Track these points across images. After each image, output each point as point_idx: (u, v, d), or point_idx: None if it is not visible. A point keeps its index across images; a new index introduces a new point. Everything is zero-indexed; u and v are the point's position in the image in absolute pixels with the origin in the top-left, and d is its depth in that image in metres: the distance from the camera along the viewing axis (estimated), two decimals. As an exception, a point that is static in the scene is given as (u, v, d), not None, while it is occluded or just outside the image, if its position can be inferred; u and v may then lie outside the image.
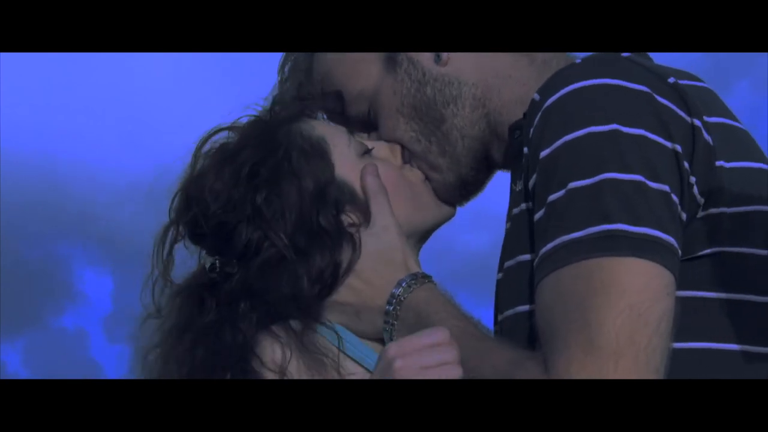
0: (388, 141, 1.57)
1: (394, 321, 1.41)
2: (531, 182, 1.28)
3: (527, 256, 1.30)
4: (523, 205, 1.32)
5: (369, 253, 1.45)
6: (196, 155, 1.52)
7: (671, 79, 1.30)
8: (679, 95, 1.28)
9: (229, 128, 1.53)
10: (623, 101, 1.24)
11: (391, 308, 1.42)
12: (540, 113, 1.28)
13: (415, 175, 1.56)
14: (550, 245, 1.21)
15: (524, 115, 1.41)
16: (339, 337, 1.43)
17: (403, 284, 1.43)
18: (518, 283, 1.32)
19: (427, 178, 1.58)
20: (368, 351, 1.44)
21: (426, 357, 1.23)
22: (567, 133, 1.23)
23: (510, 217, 1.40)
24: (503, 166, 1.57)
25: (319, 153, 1.49)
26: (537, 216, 1.26)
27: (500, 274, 1.42)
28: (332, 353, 1.41)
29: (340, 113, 1.59)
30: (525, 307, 1.31)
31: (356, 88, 1.56)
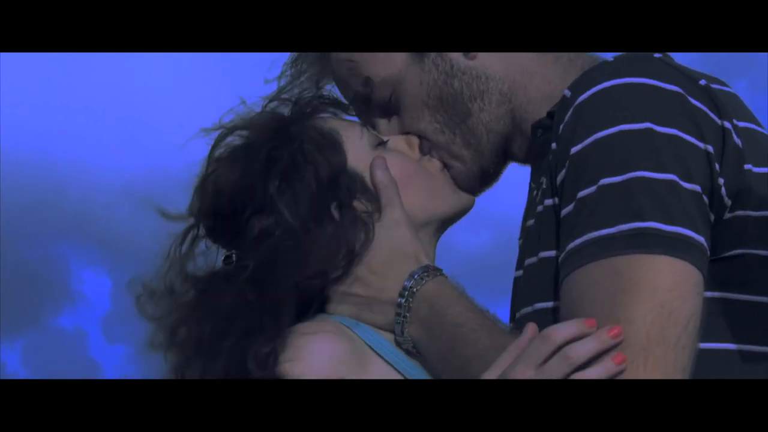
0: (410, 130, 1.57)
1: (406, 313, 1.42)
2: (559, 177, 1.28)
3: (551, 253, 1.30)
4: (549, 201, 1.32)
5: (380, 245, 1.45)
6: (212, 150, 1.52)
7: (702, 81, 1.30)
8: (710, 98, 1.28)
9: (244, 125, 1.54)
10: (656, 100, 1.24)
11: (403, 300, 1.42)
12: (572, 109, 1.28)
13: (433, 165, 1.56)
14: (578, 240, 1.21)
15: (548, 113, 1.41)
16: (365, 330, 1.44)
17: (415, 276, 1.43)
18: (539, 279, 1.32)
19: (447, 167, 1.57)
20: (383, 340, 1.44)
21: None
22: (599, 130, 1.23)
23: (531, 214, 1.40)
24: (522, 161, 1.57)
25: (332, 144, 1.50)
26: (565, 211, 1.26)
27: (519, 272, 1.41)
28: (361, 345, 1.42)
29: (363, 99, 1.57)
30: (546, 304, 1.30)
31: (380, 75, 1.54)
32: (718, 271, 1.24)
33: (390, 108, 1.57)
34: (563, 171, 1.27)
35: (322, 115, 1.57)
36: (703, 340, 1.21)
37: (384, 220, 1.47)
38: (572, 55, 1.52)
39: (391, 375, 1.42)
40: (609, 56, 1.47)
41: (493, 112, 1.51)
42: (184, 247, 1.51)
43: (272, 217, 1.45)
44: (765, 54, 1.43)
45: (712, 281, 1.23)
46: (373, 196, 1.48)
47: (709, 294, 1.22)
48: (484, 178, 1.58)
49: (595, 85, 1.26)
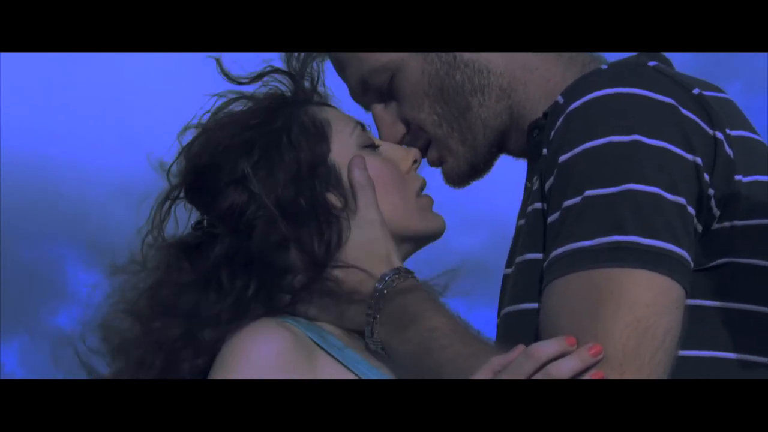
0: (408, 119, 1.56)
1: (376, 314, 1.41)
2: (548, 184, 1.29)
3: (537, 255, 1.31)
4: (538, 205, 1.33)
5: (353, 244, 1.44)
6: (213, 113, 1.53)
7: (696, 90, 1.30)
8: (704, 107, 1.28)
9: (247, 96, 1.55)
10: (648, 112, 1.25)
11: (374, 302, 1.41)
12: (563, 117, 1.28)
13: (417, 182, 1.55)
14: (560, 250, 1.22)
15: (544, 114, 1.41)
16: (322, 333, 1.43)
17: (386, 278, 1.42)
18: (525, 280, 1.33)
19: (441, 161, 1.57)
20: (333, 339, 1.44)
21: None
22: (588, 140, 1.23)
23: (524, 214, 1.40)
24: (517, 155, 1.57)
25: (319, 133, 1.49)
26: (551, 218, 1.27)
27: (508, 269, 1.41)
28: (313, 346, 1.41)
29: (360, 81, 1.56)
30: (531, 305, 1.31)
31: (381, 60, 1.53)
32: (705, 279, 1.25)
33: (387, 93, 1.56)
34: (551, 178, 1.27)
35: (320, 103, 1.57)
36: (692, 347, 1.22)
37: (358, 220, 1.45)
38: (574, 53, 1.51)
39: (342, 374, 1.40)
40: (610, 56, 1.48)
41: (492, 108, 1.51)
42: (165, 207, 1.51)
43: (246, 193, 1.44)
44: (758, 55, 1.44)
45: (697, 289, 1.23)
46: (348, 194, 1.47)
47: (696, 302, 1.24)
48: (473, 173, 1.58)
49: (587, 94, 1.27)
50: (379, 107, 1.58)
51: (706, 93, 1.32)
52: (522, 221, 1.40)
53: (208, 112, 1.54)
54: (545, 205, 1.30)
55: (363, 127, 1.56)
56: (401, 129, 1.58)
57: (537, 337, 1.25)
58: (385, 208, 1.48)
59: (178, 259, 1.47)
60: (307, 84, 1.60)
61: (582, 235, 1.20)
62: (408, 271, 1.45)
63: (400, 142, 1.59)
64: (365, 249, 1.44)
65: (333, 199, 1.46)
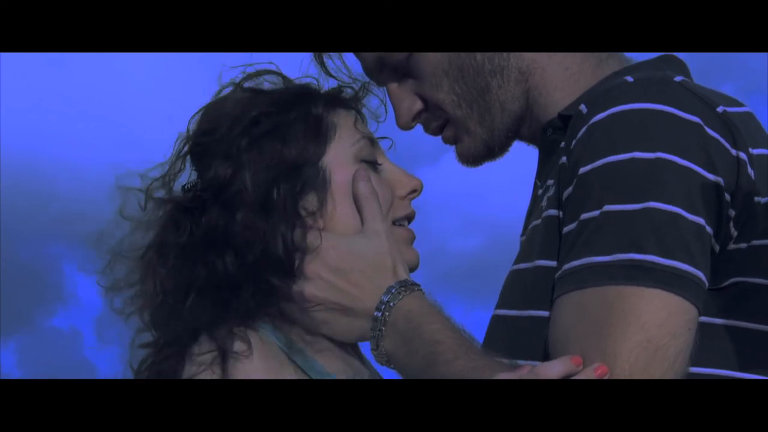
0: (426, 98, 1.54)
1: (382, 327, 1.40)
2: (566, 193, 1.28)
3: (549, 263, 1.30)
4: (553, 212, 1.32)
5: (358, 255, 1.43)
6: (243, 78, 1.54)
7: (720, 108, 1.29)
8: (728, 127, 1.27)
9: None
10: (673, 130, 1.23)
11: (380, 314, 1.40)
12: (586, 127, 1.27)
13: (403, 210, 1.53)
14: (575, 263, 1.22)
15: (559, 115, 1.41)
16: (289, 343, 1.43)
17: (393, 290, 1.41)
18: (534, 287, 1.32)
19: (457, 140, 1.55)
20: (313, 360, 1.43)
21: None
22: (611, 154, 1.22)
23: (536, 215, 1.39)
24: (529, 142, 1.56)
25: (321, 134, 1.49)
26: (567, 229, 1.26)
27: (516, 267, 1.40)
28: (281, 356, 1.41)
29: (376, 57, 1.54)
30: (539, 313, 1.30)
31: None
32: (718, 298, 1.24)
33: (404, 71, 1.54)
34: (570, 188, 1.27)
35: (336, 107, 1.54)
36: (700, 365, 1.21)
37: (365, 231, 1.45)
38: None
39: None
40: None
41: (510, 91, 1.49)
42: (178, 162, 1.51)
43: (230, 169, 1.44)
44: (749, 56, 1.44)
45: (710, 308, 1.23)
46: (324, 198, 1.46)
47: (707, 320, 1.23)
48: (487, 155, 1.56)
49: (613, 106, 1.25)
50: (394, 85, 1.56)
51: (730, 110, 1.30)
52: (537, 222, 1.38)
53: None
54: (561, 213, 1.29)
55: (373, 142, 1.54)
56: (418, 106, 1.56)
57: (545, 348, 1.25)
58: (354, 221, 1.47)
59: (173, 218, 1.48)
60: (348, 85, 1.59)
61: (598, 250, 1.20)
62: (414, 284, 1.43)
63: (416, 120, 1.57)
64: (371, 261, 1.43)
65: (308, 202, 1.45)
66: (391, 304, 1.40)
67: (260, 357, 1.37)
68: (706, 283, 1.21)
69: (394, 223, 1.51)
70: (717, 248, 1.24)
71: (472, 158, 1.56)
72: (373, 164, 1.52)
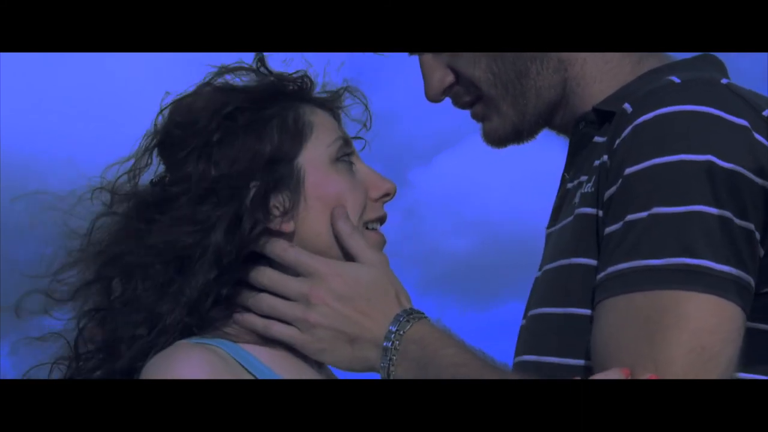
0: (462, 73, 1.50)
1: (393, 356, 1.37)
2: (608, 193, 1.27)
3: (590, 261, 1.29)
4: (590, 210, 1.31)
5: (364, 283, 1.41)
6: (214, 75, 1.51)
7: (766, 112, 1.28)
8: None
9: (254, 70, 1.53)
10: (722, 133, 1.22)
11: (390, 344, 1.37)
12: (631, 127, 1.25)
13: (374, 212, 1.51)
14: (623, 265, 1.20)
15: (593, 109, 1.40)
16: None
17: (401, 319, 1.39)
18: (576, 284, 1.31)
19: (486, 118, 1.52)
20: (263, 367, 1.41)
21: None
22: (658, 156, 1.21)
23: (567, 211, 1.38)
24: (559, 131, 1.54)
25: (298, 133, 1.46)
26: (610, 229, 1.24)
27: (550, 265, 1.39)
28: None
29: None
30: (582, 311, 1.29)
31: None
32: (761, 303, 1.23)
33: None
34: (614, 188, 1.25)
35: (320, 105, 1.53)
36: (744, 370, 1.20)
37: (362, 261, 1.43)
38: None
39: None
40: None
41: (548, 79, 1.47)
42: (145, 156, 1.48)
43: (203, 165, 1.42)
44: (740, 57, 1.43)
45: (757, 313, 1.22)
46: (297, 197, 1.44)
47: (753, 325, 1.22)
48: (515, 138, 1.53)
49: (660, 107, 1.24)
50: (428, 55, 1.53)
51: None
52: (569, 219, 1.37)
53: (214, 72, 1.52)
54: (601, 212, 1.28)
55: (347, 142, 1.52)
56: (450, 79, 1.53)
57: (589, 350, 1.24)
58: (322, 227, 1.45)
59: (138, 213, 1.45)
60: (321, 81, 1.56)
61: (648, 253, 1.18)
62: (418, 311, 1.42)
63: (446, 94, 1.54)
64: (375, 289, 1.41)
65: (280, 201, 1.43)
66: (401, 332, 1.38)
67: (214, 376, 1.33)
68: (754, 288, 1.20)
69: (366, 226, 1.50)
70: (762, 253, 1.23)
71: (498, 139, 1.53)
72: (348, 164, 1.50)
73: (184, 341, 1.38)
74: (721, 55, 1.46)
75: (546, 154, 1.55)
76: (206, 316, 1.41)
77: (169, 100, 1.50)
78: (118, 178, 1.48)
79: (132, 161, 1.49)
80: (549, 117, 1.50)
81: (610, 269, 1.22)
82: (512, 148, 1.57)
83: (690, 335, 1.15)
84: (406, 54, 1.55)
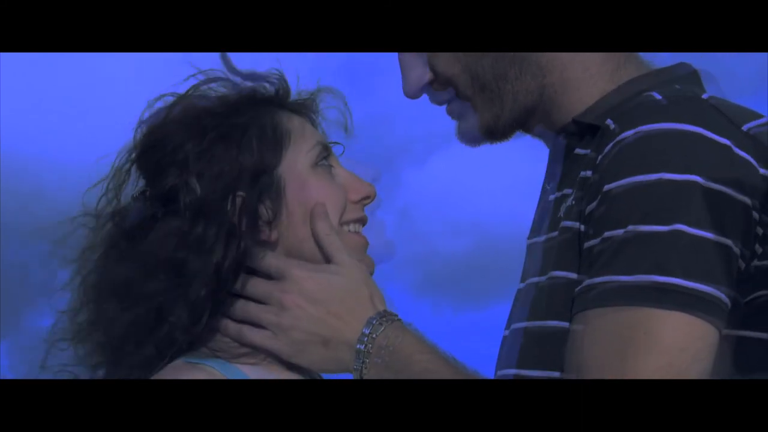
0: (438, 72, 1.50)
1: (365, 359, 1.38)
2: (589, 208, 1.28)
3: (571, 275, 1.30)
4: (572, 224, 1.32)
5: (337, 286, 1.41)
6: (191, 88, 1.51)
7: (746, 126, 1.29)
8: (756, 146, 1.27)
9: (226, 80, 1.52)
10: (704, 153, 1.22)
11: (363, 347, 1.38)
12: (613, 143, 1.26)
13: (355, 213, 1.51)
14: (597, 279, 1.21)
15: (574, 121, 1.41)
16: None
17: (374, 322, 1.39)
18: (557, 298, 1.32)
19: (460, 117, 1.52)
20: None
21: None
22: (639, 173, 1.22)
23: (551, 224, 1.39)
24: (534, 135, 1.54)
25: (276, 141, 1.46)
26: (589, 243, 1.26)
27: (533, 279, 1.40)
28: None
29: None
30: (560, 324, 1.30)
31: None
32: (743, 313, 1.24)
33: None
34: (594, 203, 1.26)
35: (290, 112, 1.52)
36: (726, 376, 1.21)
37: (336, 264, 1.43)
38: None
39: None
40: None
41: (526, 84, 1.46)
42: (124, 169, 1.48)
43: (183, 178, 1.41)
44: (733, 58, 1.44)
45: (732, 321, 1.22)
46: (279, 206, 1.44)
47: (735, 332, 1.23)
48: (488, 137, 1.52)
49: (643, 124, 1.24)
50: (405, 54, 1.52)
51: (755, 126, 1.30)
52: (553, 233, 1.37)
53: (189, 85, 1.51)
54: (583, 227, 1.29)
55: (326, 147, 1.52)
56: (429, 77, 1.52)
57: (564, 362, 1.25)
58: (304, 233, 1.45)
59: (119, 233, 1.45)
60: (293, 87, 1.56)
61: (621, 269, 1.19)
62: (392, 314, 1.42)
63: (423, 91, 1.54)
64: (348, 292, 1.41)
65: (263, 211, 1.43)
66: (374, 336, 1.38)
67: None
68: (729, 305, 1.21)
69: (348, 229, 1.50)
70: (742, 266, 1.24)
71: (472, 138, 1.53)
72: (327, 168, 1.50)
73: (179, 361, 1.39)
74: (718, 56, 1.47)
75: (542, 156, 1.55)
76: (198, 333, 1.40)
77: (147, 114, 1.49)
78: (99, 199, 1.48)
79: (112, 180, 1.48)
80: (524, 121, 1.50)
81: (586, 282, 1.23)
82: (510, 149, 1.58)
83: (658, 352, 1.16)
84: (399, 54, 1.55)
